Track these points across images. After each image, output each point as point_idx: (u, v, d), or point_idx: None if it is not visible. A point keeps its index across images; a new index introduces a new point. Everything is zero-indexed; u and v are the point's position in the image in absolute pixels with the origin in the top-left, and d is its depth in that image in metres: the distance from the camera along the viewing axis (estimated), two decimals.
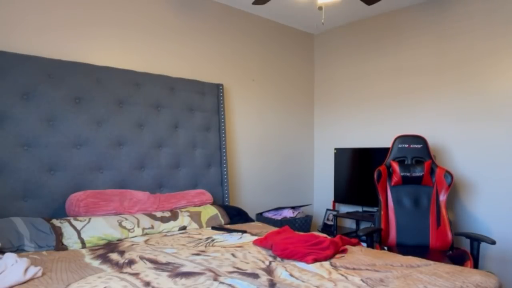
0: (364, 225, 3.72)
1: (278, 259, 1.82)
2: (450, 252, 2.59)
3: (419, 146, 2.88)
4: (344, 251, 1.96)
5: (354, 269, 1.66)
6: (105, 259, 1.81)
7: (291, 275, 1.57)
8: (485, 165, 3.00)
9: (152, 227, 2.39)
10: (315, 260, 1.76)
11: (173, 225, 2.50)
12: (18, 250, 1.88)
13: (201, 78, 3.26)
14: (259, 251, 1.96)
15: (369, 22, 3.84)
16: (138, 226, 2.33)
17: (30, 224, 2.02)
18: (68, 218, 2.21)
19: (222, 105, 3.29)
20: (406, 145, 2.90)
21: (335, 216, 3.68)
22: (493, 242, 2.22)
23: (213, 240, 2.20)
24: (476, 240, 2.30)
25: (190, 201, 2.81)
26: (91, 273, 1.59)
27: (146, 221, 2.40)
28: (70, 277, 1.53)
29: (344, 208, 3.98)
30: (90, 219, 2.21)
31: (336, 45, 4.14)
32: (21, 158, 2.25)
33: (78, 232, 2.09)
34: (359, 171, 3.68)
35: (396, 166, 2.82)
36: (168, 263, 1.73)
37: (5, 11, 2.33)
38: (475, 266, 2.28)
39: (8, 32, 2.34)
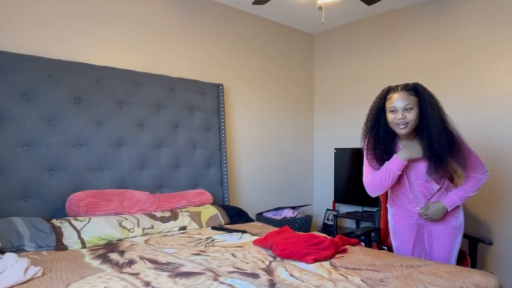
0: (364, 225, 3.72)
1: (278, 259, 1.82)
2: None
3: None
4: (344, 251, 1.95)
5: (354, 269, 1.66)
6: (105, 259, 1.81)
7: (291, 275, 1.57)
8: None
9: (152, 227, 2.39)
10: (315, 260, 1.76)
11: (173, 225, 2.50)
12: (18, 250, 1.88)
13: (201, 78, 3.26)
14: (259, 251, 1.96)
15: (369, 22, 3.84)
16: (138, 226, 2.33)
17: (30, 224, 2.02)
18: (68, 218, 2.21)
19: (222, 105, 3.29)
20: None
21: (335, 216, 3.68)
22: (490, 243, 2.21)
23: (213, 240, 2.20)
24: (473, 240, 2.29)
25: (190, 201, 2.81)
26: (91, 273, 1.59)
27: (146, 221, 2.39)
28: (70, 277, 1.53)
29: (344, 208, 3.98)
30: (90, 219, 2.21)
31: (336, 45, 4.14)
32: (21, 158, 2.25)
33: (78, 232, 2.09)
34: (359, 171, 3.66)
35: None
36: (168, 263, 1.73)
37: (5, 11, 2.33)
38: (472, 266, 2.28)
39: (8, 32, 2.34)
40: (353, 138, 3.95)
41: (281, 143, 4.02)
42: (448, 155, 1.85)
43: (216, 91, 3.28)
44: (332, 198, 3.96)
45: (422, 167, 1.93)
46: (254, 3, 2.65)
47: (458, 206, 2.02)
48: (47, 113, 2.36)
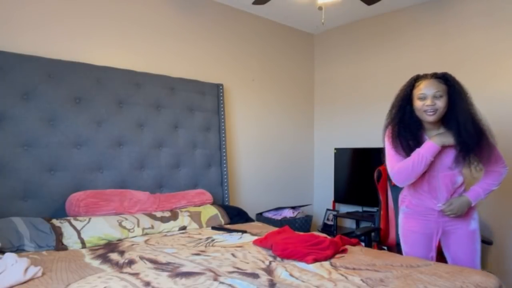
0: (364, 225, 3.72)
1: (278, 259, 1.82)
2: None
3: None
4: (344, 251, 1.95)
5: (354, 269, 1.66)
6: (105, 259, 1.81)
7: (291, 275, 1.57)
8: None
9: (152, 227, 2.39)
10: (315, 260, 1.76)
11: (173, 225, 2.50)
12: (18, 250, 1.88)
13: (201, 78, 3.26)
14: (259, 251, 1.96)
15: (369, 22, 3.84)
16: (138, 226, 2.33)
17: (30, 224, 2.02)
18: (68, 218, 2.21)
19: (222, 105, 3.29)
20: None
21: (335, 216, 3.68)
22: (490, 243, 2.21)
23: (213, 240, 2.20)
24: None
25: (190, 201, 2.81)
26: (91, 273, 1.59)
27: (146, 221, 2.39)
28: (70, 277, 1.53)
29: (344, 208, 3.98)
30: (90, 219, 2.21)
31: (336, 45, 4.14)
32: (21, 158, 2.25)
33: (78, 232, 2.09)
34: (359, 171, 3.68)
35: None
36: (168, 263, 1.73)
37: (5, 11, 2.33)
38: None
39: (8, 32, 2.34)
40: (353, 138, 3.96)
41: (281, 143, 4.02)
42: (476, 145, 1.81)
43: (216, 91, 3.28)
44: (332, 198, 3.96)
45: (449, 157, 1.87)
46: (254, 3, 2.65)
47: (473, 207, 1.96)
48: (47, 113, 2.36)
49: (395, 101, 1.98)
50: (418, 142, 1.89)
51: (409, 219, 2.05)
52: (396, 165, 1.92)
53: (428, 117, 1.83)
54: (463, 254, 1.95)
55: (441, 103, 1.81)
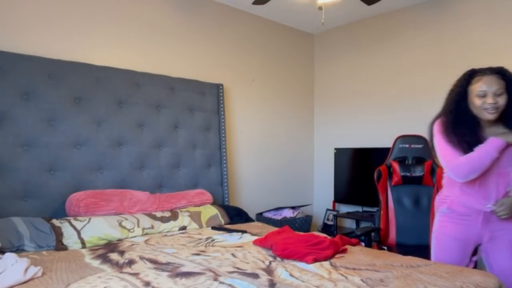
0: (364, 225, 3.72)
1: (278, 259, 1.82)
2: None
3: (420, 146, 2.87)
4: (344, 251, 1.95)
5: (354, 269, 1.66)
6: (105, 259, 1.81)
7: (291, 275, 1.57)
8: None
9: (152, 227, 2.39)
10: (315, 260, 1.76)
11: (173, 225, 2.50)
12: (18, 250, 1.88)
13: (201, 78, 3.26)
14: (259, 251, 1.96)
15: (369, 22, 3.84)
16: (138, 226, 2.33)
17: (30, 224, 2.02)
18: (68, 218, 2.21)
19: (222, 105, 3.29)
20: (407, 145, 2.90)
21: (335, 216, 3.68)
22: None
23: (213, 240, 2.20)
24: None
25: (190, 201, 2.81)
26: (91, 273, 1.59)
27: (146, 221, 2.39)
28: (70, 277, 1.53)
29: (344, 208, 3.98)
30: (90, 219, 2.21)
31: (336, 45, 4.14)
32: (21, 158, 2.25)
33: (78, 232, 2.09)
34: (359, 171, 3.68)
35: (396, 166, 2.81)
36: (168, 263, 1.73)
37: (5, 11, 2.33)
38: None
39: (8, 32, 2.34)
40: (353, 138, 3.96)
41: (281, 143, 4.02)
42: None
43: (216, 91, 3.28)
44: (332, 198, 3.96)
45: (508, 155, 1.78)
46: (254, 3, 2.65)
47: None
48: (47, 113, 2.36)
49: (449, 96, 1.89)
50: (477, 139, 1.79)
51: (447, 222, 1.92)
52: (455, 159, 1.81)
53: (489, 116, 1.74)
54: (508, 263, 1.83)
55: (502, 101, 1.73)
